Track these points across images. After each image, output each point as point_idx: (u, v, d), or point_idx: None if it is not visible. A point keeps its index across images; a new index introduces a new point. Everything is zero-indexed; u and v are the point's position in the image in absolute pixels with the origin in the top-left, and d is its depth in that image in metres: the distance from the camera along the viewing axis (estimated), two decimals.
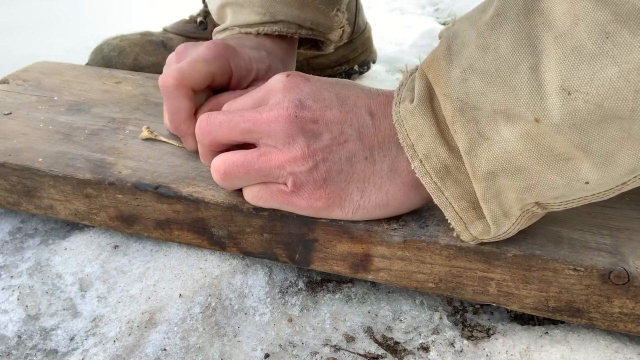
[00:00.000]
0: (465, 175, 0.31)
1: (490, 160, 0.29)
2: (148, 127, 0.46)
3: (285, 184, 0.34)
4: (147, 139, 0.45)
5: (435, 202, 0.32)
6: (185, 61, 0.41)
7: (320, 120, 0.33)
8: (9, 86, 0.55)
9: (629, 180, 0.27)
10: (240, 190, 0.38)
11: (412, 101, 0.32)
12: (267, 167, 0.33)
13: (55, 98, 0.53)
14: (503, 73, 0.27)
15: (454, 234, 0.33)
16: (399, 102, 0.32)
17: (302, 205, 0.35)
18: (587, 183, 0.27)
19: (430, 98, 0.31)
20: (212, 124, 0.35)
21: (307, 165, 0.33)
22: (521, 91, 0.26)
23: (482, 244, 0.34)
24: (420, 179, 0.32)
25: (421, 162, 0.31)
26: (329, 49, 0.60)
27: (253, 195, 0.36)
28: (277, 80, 0.35)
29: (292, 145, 0.33)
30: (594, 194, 0.29)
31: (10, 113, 0.49)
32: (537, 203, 0.30)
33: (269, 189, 0.35)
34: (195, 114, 0.42)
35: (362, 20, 0.77)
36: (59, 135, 0.46)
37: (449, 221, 0.33)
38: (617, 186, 0.28)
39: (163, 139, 0.45)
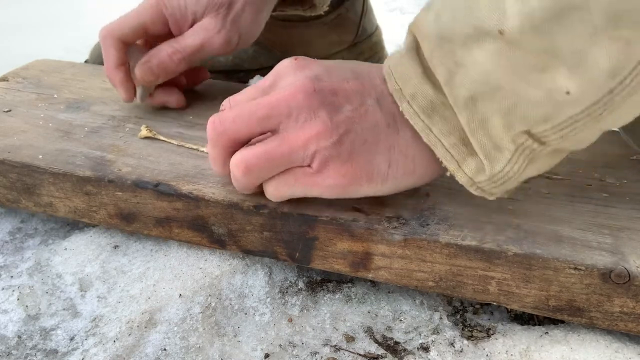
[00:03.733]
0: (451, 111, 0.31)
1: (467, 86, 0.29)
2: (147, 126, 0.46)
3: (310, 166, 0.33)
4: (145, 138, 0.45)
5: (425, 141, 0.32)
6: (120, 18, 0.47)
7: (339, 91, 0.33)
8: (9, 84, 0.55)
9: (615, 87, 0.26)
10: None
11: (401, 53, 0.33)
12: (290, 150, 0.32)
13: (55, 96, 0.53)
14: None
15: (447, 174, 0.33)
16: (389, 59, 0.33)
17: (328, 184, 0.33)
18: (568, 93, 0.27)
19: (416, 49, 0.32)
20: (225, 121, 0.34)
21: (331, 140, 0.32)
22: (483, 7, 0.27)
23: (483, 242, 0.34)
24: (409, 119, 0.32)
25: (409, 103, 0.31)
26: (317, 10, 0.58)
27: (276, 186, 0.35)
28: (285, 65, 0.34)
29: (314, 120, 0.32)
30: (583, 110, 0.27)
31: (10, 110, 0.49)
32: (527, 133, 0.29)
33: (292, 174, 0.34)
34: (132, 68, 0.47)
35: (368, 23, 0.76)
36: (59, 132, 0.46)
37: (440, 160, 0.32)
38: (604, 96, 0.27)
39: (162, 137, 0.45)
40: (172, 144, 0.44)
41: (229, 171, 0.35)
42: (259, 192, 0.36)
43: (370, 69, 0.35)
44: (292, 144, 0.32)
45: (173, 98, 0.50)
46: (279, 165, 0.33)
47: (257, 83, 0.36)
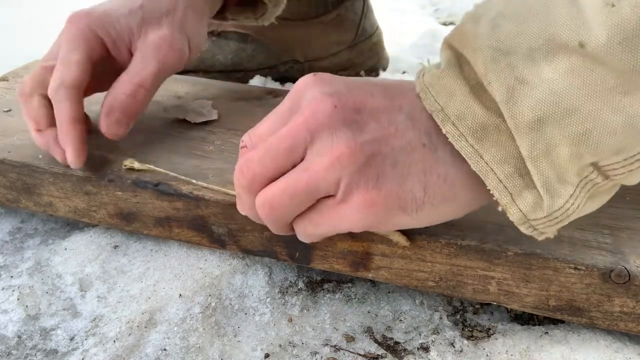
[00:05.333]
0: (507, 136, 0.27)
1: (534, 106, 0.25)
2: (133, 160, 0.41)
3: (334, 196, 0.29)
4: (131, 169, 0.40)
5: (474, 169, 0.27)
6: (59, 62, 0.39)
7: (363, 108, 0.29)
8: (9, 83, 0.55)
9: None
10: None
11: (438, 69, 0.29)
12: (312, 180, 0.28)
13: None
14: (536, 7, 0.25)
15: (499, 209, 0.28)
16: (423, 75, 0.29)
17: (356, 217, 0.29)
18: None
19: (459, 65, 0.28)
20: (252, 165, 0.30)
21: (356, 164, 0.28)
22: (559, 18, 0.24)
23: (484, 242, 0.34)
24: (454, 144, 0.27)
25: (454, 124, 0.27)
26: (267, 19, 0.53)
27: (303, 226, 0.31)
28: (303, 82, 0.30)
29: (335, 142, 0.28)
30: None
31: (10, 110, 0.49)
32: (595, 165, 0.26)
33: (318, 210, 0.30)
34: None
35: (369, 24, 0.76)
36: None
37: (491, 192, 0.28)
38: None
39: (156, 168, 0.40)
40: (167, 174, 0.40)
41: None
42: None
43: (400, 83, 0.31)
44: (313, 172, 0.28)
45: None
46: (304, 200, 0.29)
47: (277, 108, 0.32)
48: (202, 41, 0.47)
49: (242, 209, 0.33)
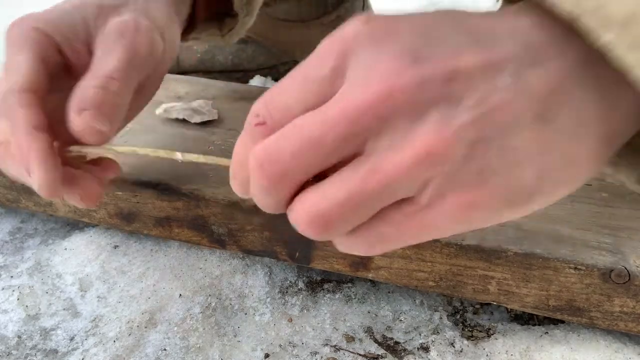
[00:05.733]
0: None
1: None
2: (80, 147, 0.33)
3: (411, 199, 0.21)
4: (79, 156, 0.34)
5: None
6: (3, 70, 0.32)
7: (456, 74, 0.19)
8: None
9: None
10: None
11: None
12: (387, 183, 0.20)
13: None
14: None
15: None
16: None
17: (447, 223, 0.21)
18: None
19: None
20: (281, 157, 0.20)
21: (453, 158, 0.19)
22: None
23: (484, 242, 0.34)
24: (621, 59, 0.18)
25: (618, 34, 0.18)
26: (234, 36, 0.47)
27: (366, 242, 0.22)
28: (351, 31, 0.20)
29: (420, 130, 0.19)
30: None
31: None
32: None
33: (387, 220, 0.21)
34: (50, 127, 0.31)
35: None
36: None
37: None
38: None
39: (94, 150, 0.34)
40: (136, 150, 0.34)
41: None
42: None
43: (493, 21, 0.21)
44: (387, 174, 0.20)
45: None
46: (369, 209, 0.21)
47: (308, 66, 0.21)
48: (176, 38, 0.39)
49: (240, 192, 0.24)
